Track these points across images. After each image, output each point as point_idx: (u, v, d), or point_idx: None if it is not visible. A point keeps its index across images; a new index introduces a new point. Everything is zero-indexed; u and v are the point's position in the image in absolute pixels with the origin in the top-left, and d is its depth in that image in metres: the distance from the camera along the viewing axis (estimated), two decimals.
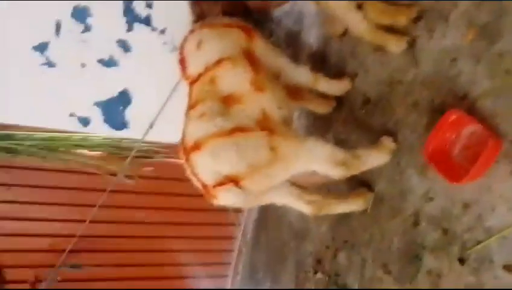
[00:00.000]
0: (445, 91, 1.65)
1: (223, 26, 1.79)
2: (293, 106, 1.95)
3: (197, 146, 1.54)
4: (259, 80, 1.66)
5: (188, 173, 1.59)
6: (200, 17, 1.90)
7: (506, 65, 1.45)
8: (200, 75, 1.69)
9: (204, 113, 1.59)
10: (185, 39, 1.83)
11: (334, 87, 2.08)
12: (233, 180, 1.50)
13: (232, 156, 1.50)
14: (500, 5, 1.48)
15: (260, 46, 1.80)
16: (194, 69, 1.74)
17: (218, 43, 1.72)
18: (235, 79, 1.64)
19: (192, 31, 1.84)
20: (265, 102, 1.63)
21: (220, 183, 1.50)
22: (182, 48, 1.83)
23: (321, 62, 2.35)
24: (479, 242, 1.47)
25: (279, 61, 1.87)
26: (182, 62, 1.81)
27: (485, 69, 1.52)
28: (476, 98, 1.53)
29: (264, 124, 1.61)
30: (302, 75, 1.94)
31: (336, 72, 2.19)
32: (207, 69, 1.68)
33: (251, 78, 1.65)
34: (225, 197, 1.53)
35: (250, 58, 1.71)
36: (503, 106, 1.45)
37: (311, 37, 2.39)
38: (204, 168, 1.53)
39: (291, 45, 2.38)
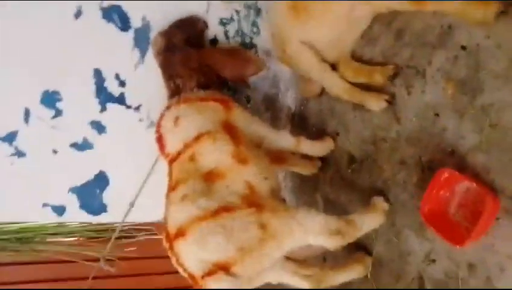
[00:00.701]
0: (432, 147, 1.61)
1: (199, 101, 1.76)
2: (278, 171, 1.89)
3: (180, 233, 1.43)
4: (241, 151, 1.60)
5: (173, 262, 1.47)
6: (175, 93, 1.85)
7: (490, 119, 1.43)
8: (179, 153, 1.63)
9: (186, 195, 1.50)
10: (162, 116, 1.78)
11: (317, 148, 2.04)
12: (223, 268, 1.38)
13: (219, 241, 1.39)
14: (475, 60, 1.48)
15: (239, 117, 1.76)
16: (172, 147, 1.68)
17: (195, 118, 1.67)
18: (215, 154, 1.59)
19: (168, 108, 1.79)
20: (249, 175, 1.56)
21: (209, 273, 1.38)
22: (158, 126, 1.77)
23: (301, 123, 2.32)
24: None
25: (259, 129, 1.82)
26: (160, 140, 1.74)
27: (470, 124, 1.49)
28: (465, 153, 1.50)
29: (251, 199, 1.52)
30: (283, 140, 1.90)
31: (318, 132, 2.17)
32: (186, 146, 1.62)
33: (232, 151, 1.59)
34: (216, 287, 1.40)
35: (230, 130, 1.67)
36: (494, 160, 1.41)
37: (289, 99, 2.38)
38: (191, 258, 1.42)
39: (270, 108, 2.35)
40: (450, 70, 1.56)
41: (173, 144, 1.68)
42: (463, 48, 1.52)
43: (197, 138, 1.62)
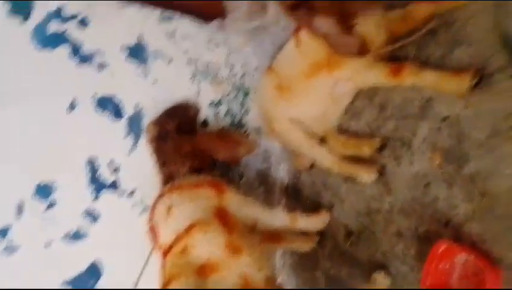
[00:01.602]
0: (426, 218, 1.60)
1: (191, 187, 1.76)
2: (274, 255, 1.85)
3: None
4: (234, 241, 1.57)
5: None
6: (168, 179, 1.87)
7: (479, 187, 1.44)
8: (171, 246, 1.59)
9: None
10: (154, 206, 1.77)
11: (313, 222, 2.02)
12: None
13: None
14: (457, 130, 1.52)
15: (231, 201, 1.75)
16: (164, 238, 1.65)
17: (187, 207, 1.66)
18: (208, 245, 1.55)
19: (161, 196, 1.78)
20: (243, 266, 1.52)
21: None
22: (151, 216, 1.76)
23: (295, 196, 2.31)
24: None
25: (253, 211, 1.81)
26: (152, 231, 1.72)
27: (460, 193, 1.50)
28: (460, 223, 1.49)
29: None
30: (278, 219, 1.88)
31: (312, 206, 2.15)
32: (178, 238, 1.58)
33: (225, 241, 1.56)
34: None
35: (222, 217, 1.65)
36: (488, 229, 1.41)
37: (282, 173, 2.39)
38: None
39: (263, 183, 2.36)
40: (434, 141, 1.60)
41: (166, 236, 1.66)
42: (444, 118, 1.56)
43: (189, 229, 1.59)
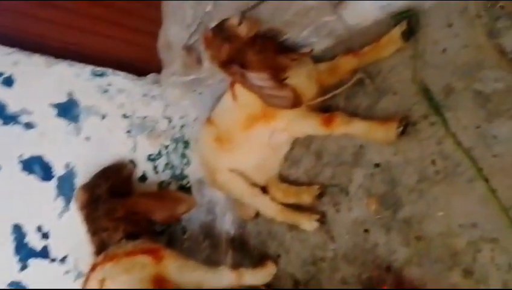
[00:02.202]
0: (369, 264, 1.61)
1: (126, 256, 1.64)
2: None
3: None
4: None
5: None
6: (101, 248, 1.74)
7: (414, 232, 1.47)
8: None
9: None
10: (87, 279, 1.64)
11: (260, 276, 1.95)
12: None
13: None
14: (389, 176, 1.57)
15: (171, 267, 1.65)
16: None
17: (122, 279, 1.55)
18: None
19: (93, 268, 1.65)
20: None
21: None
22: (84, 286, 1.63)
23: (242, 246, 2.26)
24: None
25: (195, 275, 1.71)
26: None
27: (397, 238, 1.52)
28: (400, 267, 1.50)
29: None
30: (224, 278, 1.79)
31: (259, 256, 2.11)
32: None
33: None
34: None
35: (161, 286, 1.56)
36: (427, 272, 1.43)
37: (227, 223, 2.34)
38: None
39: (208, 236, 2.29)
40: (369, 187, 1.63)
41: None
42: (376, 165, 1.61)
43: None
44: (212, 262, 2.18)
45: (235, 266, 1.95)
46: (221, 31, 1.65)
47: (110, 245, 1.72)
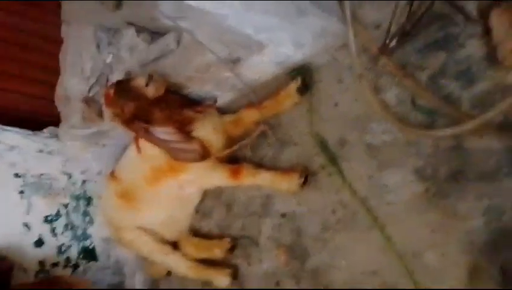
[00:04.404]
0: None
1: None
2: None
3: None
4: None
5: None
6: None
7: (322, 281, 1.48)
8: None
9: None
10: None
11: None
12: None
13: None
14: (295, 225, 1.58)
15: None
16: None
17: None
18: None
19: None
20: None
21: None
22: None
23: None
24: None
25: None
26: None
27: (307, 288, 1.52)
28: None
29: None
30: None
31: None
32: None
33: None
34: None
35: None
36: None
37: (138, 283, 2.18)
38: None
39: None
40: (278, 237, 1.63)
41: None
42: (283, 215, 1.62)
43: None
44: None
45: None
46: (125, 90, 1.60)
47: None
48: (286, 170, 1.56)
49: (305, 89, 1.54)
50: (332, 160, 1.47)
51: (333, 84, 1.50)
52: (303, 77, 1.54)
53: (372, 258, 1.36)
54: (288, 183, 1.53)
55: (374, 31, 1.39)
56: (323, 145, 1.51)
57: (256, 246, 1.70)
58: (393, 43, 1.31)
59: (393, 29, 1.27)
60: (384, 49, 1.33)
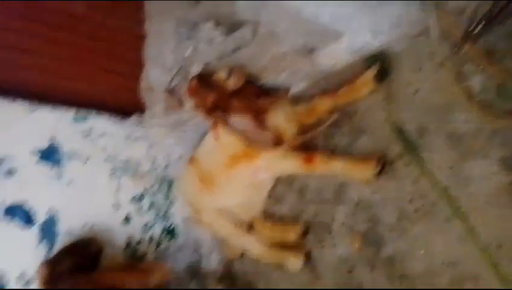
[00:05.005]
0: None
1: None
2: None
3: None
4: None
5: None
6: None
7: (398, 269, 1.49)
8: None
9: None
10: None
11: None
12: None
13: None
14: (370, 214, 1.59)
15: None
16: None
17: None
18: None
19: None
20: None
21: None
22: None
23: (230, 285, 2.24)
24: None
25: None
26: None
27: (381, 276, 1.53)
28: None
29: None
30: None
31: None
32: None
33: None
34: None
35: None
36: None
37: (214, 263, 2.32)
38: None
39: (195, 276, 2.26)
40: (352, 225, 1.65)
41: None
42: (357, 203, 1.64)
43: None
44: None
45: None
46: (207, 82, 1.70)
47: None
48: (361, 158, 1.57)
49: (382, 76, 1.53)
50: (411, 149, 1.45)
51: (412, 72, 1.47)
52: (380, 64, 1.53)
53: (451, 249, 1.34)
54: (364, 171, 1.54)
55: (457, 16, 1.34)
56: (401, 134, 1.49)
57: (330, 232, 1.73)
58: (478, 28, 1.26)
59: (478, 14, 1.22)
60: (468, 36, 1.29)
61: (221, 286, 2.29)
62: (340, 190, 1.69)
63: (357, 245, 1.62)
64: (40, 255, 1.87)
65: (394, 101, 1.53)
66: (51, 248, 1.90)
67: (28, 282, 1.83)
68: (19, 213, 1.87)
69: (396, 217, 1.50)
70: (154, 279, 1.82)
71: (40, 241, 1.89)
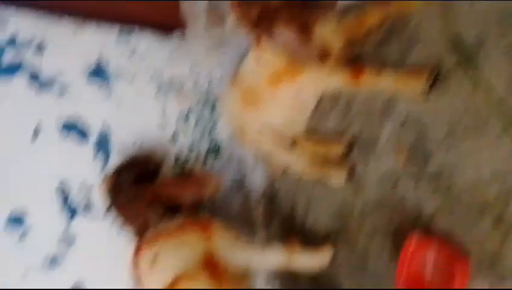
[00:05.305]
0: (398, 215, 1.65)
1: (177, 231, 1.67)
2: None
3: None
4: None
5: None
6: (140, 231, 1.78)
7: (444, 182, 1.49)
8: None
9: None
10: (136, 255, 1.69)
11: (314, 259, 1.86)
12: None
13: None
14: (418, 128, 1.56)
15: (221, 244, 1.65)
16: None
17: (173, 256, 1.59)
18: None
19: (142, 246, 1.70)
20: None
21: None
22: (135, 265, 1.68)
23: (272, 202, 2.34)
24: None
25: (244, 255, 1.71)
26: (138, 280, 1.66)
27: (427, 189, 1.54)
28: (429, 217, 1.54)
29: None
30: (273, 258, 1.77)
31: (289, 212, 2.17)
32: None
33: None
34: None
35: (211, 265, 1.57)
36: (456, 221, 1.46)
37: (257, 179, 2.40)
38: None
39: (239, 191, 2.37)
40: (399, 139, 1.64)
41: (151, 286, 1.58)
42: (406, 117, 1.61)
43: (175, 282, 1.52)
44: (243, 219, 2.29)
45: (267, 223, 2.02)
46: None
47: (149, 227, 1.75)
48: (412, 71, 1.52)
49: None
50: (467, 61, 1.38)
51: None
52: None
53: (500, 164, 1.32)
54: (415, 84, 1.49)
55: None
56: (457, 45, 1.42)
57: (375, 148, 1.73)
58: None
59: None
60: None
61: (264, 203, 2.40)
62: (389, 104, 1.66)
63: (402, 160, 1.63)
64: (97, 167, 2.01)
65: (451, 9, 1.44)
66: (105, 162, 2.03)
67: (89, 190, 1.99)
68: (75, 129, 1.97)
69: (446, 133, 1.47)
70: (208, 190, 1.89)
71: (96, 155, 2.01)
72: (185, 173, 2.17)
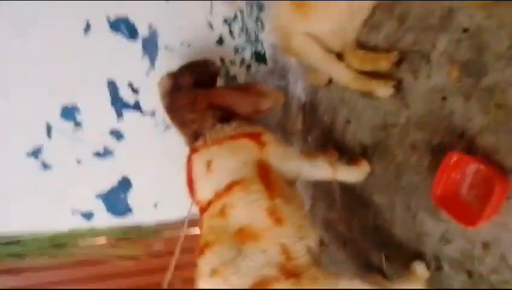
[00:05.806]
0: (441, 131, 1.62)
1: (230, 139, 1.66)
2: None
3: None
4: (277, 209, 1.47)
5: None
6: (194, 136, 1.77)
7: (496, 100, 1.43)
8: (209, 203, 1.54)
9: (216, 270, 1.37)
10: (189, 159, 1.70)
11: (354, 174, 1.92)
12: None
13: None
14: (477, 42, 1.48)
15: (273, 154, 1.64)
16: (203, 194, 1.59)
17: (228, 161, 1.58)
18: (248, 209, 1.46)
19: (195, 150, 1.70)
20: (285, 237, 1.43)
21: None
22: (189, 169, 1.69)
23: (313, 112, 2.35)
24: (506, 282, 1.41)
25: (294, 165, 1.71)
26: (190, 185, 1.67)
27: (476, 106, 1.50)
28: (474, 135, 1.51)
29: (287, 268, 1.38)
30: (320, 170, 1.81)
31: (329, 122, 2.19)
32: (217, 196, 1.52)
33: (267, 207, 1.46)
34: None
35: (264, 174, 1.56)
36: (502, 140, 1.42)
37: (299, 89, 2.40)
38: None
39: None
40: (453, 53, 1.56)
41: (204, 192, 1.59)
42: (465, 30, 1.51)
43: (229, 187, 1.52)
44: (283, 126, 2.33)
45: (305, 134, 2.05)
46: None
47: (203, 133, 1.74)
48: None
49: None
50: None
51: None
52: None
53: None
54: None
55: None
56: None
57: (427, 62, 1.67)
58: None
59: None
60: None
61: (304, 113, 2.42)
62: (448, 15, 1.56)
63: (455, 75, 1.56)
64: (145, 66, 2.06)
65: None
66: (153, 61, 2.07)
67: (136, 90, 2.06)
68: (124, 27, 2.00)
69: (508, 46, 1.38)
70: (266, 104, 1.86)
71: (144, 55, 2.05)
72: (244, 84, 2.16)
